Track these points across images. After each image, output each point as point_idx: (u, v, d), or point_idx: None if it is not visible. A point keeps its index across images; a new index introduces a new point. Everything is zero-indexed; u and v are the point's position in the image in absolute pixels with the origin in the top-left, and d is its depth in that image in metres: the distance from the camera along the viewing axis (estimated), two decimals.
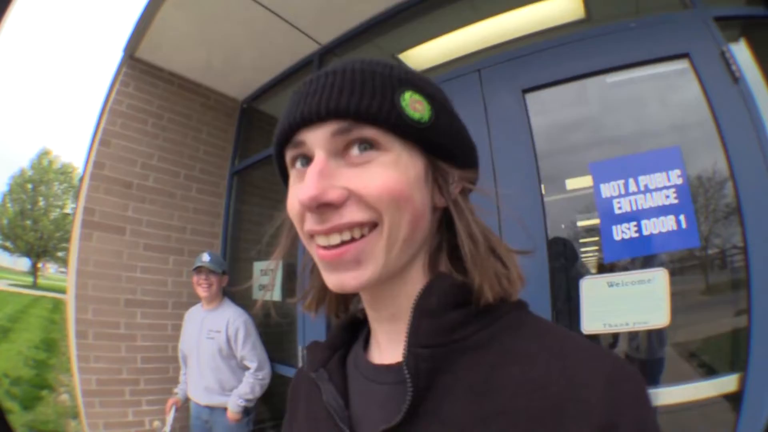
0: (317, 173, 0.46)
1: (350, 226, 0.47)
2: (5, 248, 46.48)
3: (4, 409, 0.88)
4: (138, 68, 3.24)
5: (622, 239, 1.47)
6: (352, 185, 0.47)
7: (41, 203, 45.61)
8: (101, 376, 2.96)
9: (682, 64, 1.51)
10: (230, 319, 2.78)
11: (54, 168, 47.03)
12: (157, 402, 3.11)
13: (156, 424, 3.04)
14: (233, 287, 3.16)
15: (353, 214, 0.47)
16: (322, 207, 0.46)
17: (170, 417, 2.93)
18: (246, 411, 2.76)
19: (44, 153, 47.54)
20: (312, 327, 2.58)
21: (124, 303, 3.06)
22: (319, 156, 0.48)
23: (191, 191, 3.43)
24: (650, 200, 1.43)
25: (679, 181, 1.39)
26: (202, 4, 2.70)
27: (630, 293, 1.45)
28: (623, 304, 1.46)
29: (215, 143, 3.59)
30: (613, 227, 1.49)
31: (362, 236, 0.48)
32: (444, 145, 0.51)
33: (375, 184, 0.46)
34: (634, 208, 1.45)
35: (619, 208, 1.48)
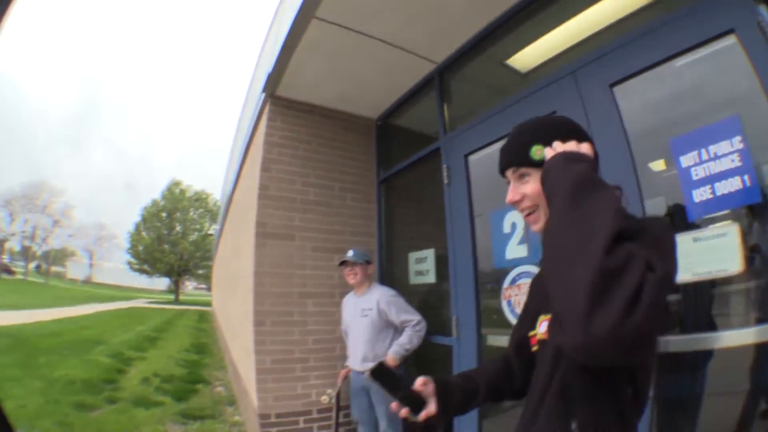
0: (510, 191, 1.17)
1: (528, 208, 1.15)
2: (143, 271, 51.49)
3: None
4: (280, 104, 4.01)
5: (701, 201, 1.84)
6: (524, 192, 1.15)
7: (178, 228, 50.69)
8: (275, 357, 3.71)
9: (731, 40, 1.81)
10: (380, 298, 3.37)
11: (187, 196, 51.93)
12: (323, 377, 3.78)
13: (324, 398, 3.67)
14: (391, 276, 3.78)
15: (525, 203, 1.15)
16: (515, 203, 1.17)
17: (339, 383, 3.58)
18: (402, 362, 3.27)
19: (174, 183, 52.73)
20: (462, 302, 3.10)
21: (298, 295, 3.82)
22: (512, 182, 1.18)
23: (346, 200, 4.16)
24: (719, 165, 1.77)
25: (741, 146, 1.70)
26: (328, 48, 3.32)
27: (710, 246, 1.79)
28: (706, 255, 1.79)
29: (360, 158, 4.30)
30: (693, 191, 1.86)
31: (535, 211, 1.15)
32: None
33: (529, 190, 1.14)
34: (708, 174, 1.81)
35: (696, 174, 1.85)
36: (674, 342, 1.89)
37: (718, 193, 1.81)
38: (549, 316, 1.13)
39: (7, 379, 6.55)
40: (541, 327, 1.15)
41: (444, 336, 3.29)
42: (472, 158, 3.21)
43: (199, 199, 53.61)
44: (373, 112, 4.42)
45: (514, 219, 2.79)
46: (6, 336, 10.95)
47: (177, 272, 51.31)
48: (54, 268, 72.35)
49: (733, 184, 1.77)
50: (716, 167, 1.82)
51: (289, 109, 4.08)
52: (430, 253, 3.63)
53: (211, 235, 35.30)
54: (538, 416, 1.01)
